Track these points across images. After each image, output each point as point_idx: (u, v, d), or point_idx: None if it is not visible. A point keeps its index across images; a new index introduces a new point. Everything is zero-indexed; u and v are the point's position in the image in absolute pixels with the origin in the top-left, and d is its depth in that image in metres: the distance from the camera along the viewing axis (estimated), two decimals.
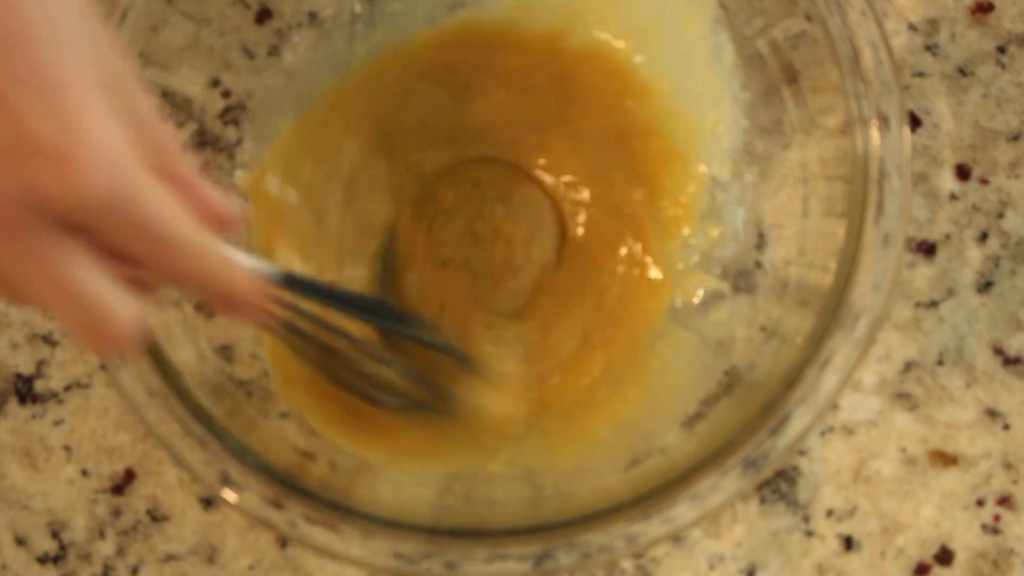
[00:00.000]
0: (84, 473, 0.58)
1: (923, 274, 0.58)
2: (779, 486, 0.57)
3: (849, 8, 0.51)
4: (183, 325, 0.53)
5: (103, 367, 0.51)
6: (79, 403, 0.58)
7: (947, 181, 0.59)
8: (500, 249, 0.59)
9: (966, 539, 0.57)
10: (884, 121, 0.51)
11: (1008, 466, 0.57)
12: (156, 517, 0.58)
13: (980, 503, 0.57)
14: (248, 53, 0.57)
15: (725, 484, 0.49)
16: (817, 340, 0.50)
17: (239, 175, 0.56)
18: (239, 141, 0.57)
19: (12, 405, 0.59)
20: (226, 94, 0.57)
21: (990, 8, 0.60)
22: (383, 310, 0.54)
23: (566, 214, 0.59)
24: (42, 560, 0.58)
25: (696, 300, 0.57)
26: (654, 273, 0.58)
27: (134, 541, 0.58)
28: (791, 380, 0.50)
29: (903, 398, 0.58)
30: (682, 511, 0.49)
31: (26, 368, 0.59)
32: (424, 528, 0.50)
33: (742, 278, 0.56)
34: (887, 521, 0.57)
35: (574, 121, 0.59)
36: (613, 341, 0.58)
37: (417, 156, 0.59)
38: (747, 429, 0.50)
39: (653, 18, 0.57)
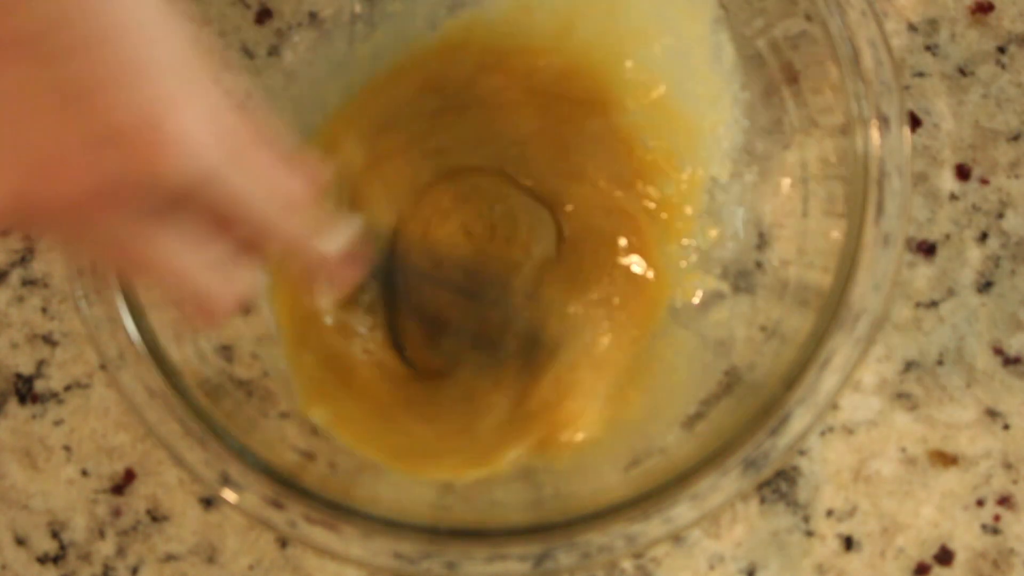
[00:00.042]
0: (84, 473, 0.58)
1: (923, 274, 0.58)
2: (779, 486, 0.57)
3: (849, 8, 0.51)
4: (183, 325, 0.53)
5: (103, 367, 0.51)
6: (79, 403, 0.58)
7: (947, 181, 0.59)
8: (498, 249, 0.59)
9: (966, 539, 0.57)
10: (884, 121, 0.51)
11: (1008, 466, 0.57)
12: (156, 517, 0.58)
13: (980, 503, 0.57)
14: (248, 53, 0.57)
15: (725, 484, 0.49)
16: (817, 340, 0.50)
17: None
18: None
19: (12, 405, 0.59)
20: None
21: (990, 8, 0.60)
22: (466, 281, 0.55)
23: (565, 215, 0.59)
24: (42, 560, 0.58)
25: (696, 300, 0.57)
26: (653, 274, 0.58)
27: (134, 541, 0.58)
28: (791, 380, 0.50)
29: (903, 398, 0.58)
30: (682, 511, 0.49)
31: (26, 368, 0.59)
32: (424, 528, 0.50)
33: (742, 278, 0.56)
34: (887, 521, 0.57)
35: (574, 122, 0.59)
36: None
37: (415, 166, 0.59)
38: (747, 429, 0.50)
39: (653, 18, 0.57)
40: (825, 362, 0.50)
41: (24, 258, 0.59)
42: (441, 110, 0.59)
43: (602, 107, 0.59)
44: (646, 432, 0.54)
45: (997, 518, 0.57)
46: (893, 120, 0.51)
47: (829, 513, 0.57)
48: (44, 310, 0.59)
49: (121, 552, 0.57)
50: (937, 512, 0.57)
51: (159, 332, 0.51)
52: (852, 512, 0.57)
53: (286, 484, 0.50)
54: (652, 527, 0.49)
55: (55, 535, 0.58)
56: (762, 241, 0.56)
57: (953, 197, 0.59)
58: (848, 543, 0.57)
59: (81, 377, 0.59)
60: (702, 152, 0.57)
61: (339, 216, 0.42)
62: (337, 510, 0.50)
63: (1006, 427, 0.58)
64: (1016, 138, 0.59)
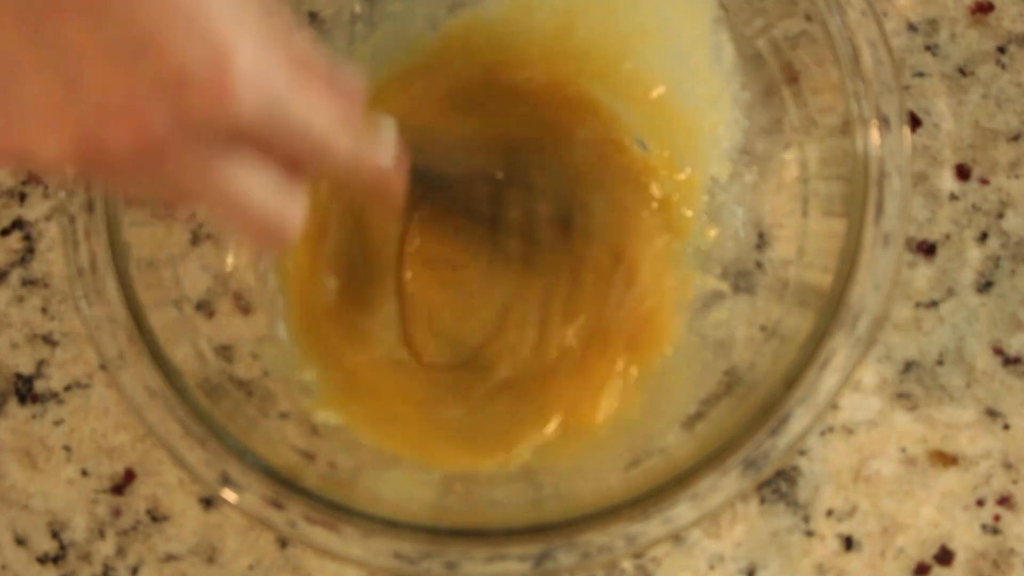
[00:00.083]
0: (84, 473, 0.58)
1: (923, 274, 0.58)
2: (779, 486, 0.57)
3: (849, 8, 0.51)
4: (183, 325, 0.53)
5: (103, 367, 0.51)
6: (79, 403, 0.58)
7: (947, 181, 0.59)
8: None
9: (966, 539, 0.57)
10: (884, 121, 0.51)
11: (1008, 466, 0.57)
12: (156, 517, 0.58)
13: (980, 503, 0.57)
14: None
15: (725, 484, 0.49)
16: (817, 340, 0.50)
17: None
18: None
19: (12, 405, 0.59)
20: None
21: (990, 8, 0.60)
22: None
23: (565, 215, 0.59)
24: (42, 560, 0.58)
25: (696, 300, 0.57)
26: (654, 273, 0.58)
27: (134, 541, 0.58)
28: (791, 380, 0.50)
29: (903, 398, 0.58)
30: (682, 511, 0.49)
31: (26, 368, 0.59)
32: (424, 528, 0.50)
33: (742, 278, 0.56)
34: (887, 521, 0.57)
35: (573, 124, 0.59)
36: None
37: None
38: (747, 429, 0.50)
39: (653, 18, 0.57)
40: (825, 362, 0.50)
41: (24, 258, 0.59)
42: (441, 113, 0.59)
43: (601, 107, 0.59)
44: (646, 432, 0.54)
45: (997, 518, 0.57)
46: (893, 120, 0.51)
47: (829, 513, 0.57)
48: (44, 310, 0.59)
49: (121, 552, 0.57)
50: (937, 512, 0.57)
51: (159, 332, 0.51)
52: (852, 512, 0.57)
53: (286, 484, 0.50)
54: (652, 527, 0.49)
55: (55, 535, 0.58)
56: (762, 241, 0.56)
57: (953, 197, 0.59)
58: (848, 543, 0.57)
59: (81, 377, 0.59)
60: (702, 152, 0.57)
61: (378, 123, 0.44)
62: (337, 510, 0.50)
63: (1006, 427, 0.58)
64: (1016, 138, 0.59)
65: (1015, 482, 0.57)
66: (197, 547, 0.57)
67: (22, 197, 0.60)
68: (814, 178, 0.54)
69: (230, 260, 0.56)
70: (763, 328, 0.54)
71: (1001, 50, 0.59)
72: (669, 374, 0.56)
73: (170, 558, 0.57)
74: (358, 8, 0.58)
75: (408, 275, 0.58)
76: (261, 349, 0.55)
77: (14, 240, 0.59)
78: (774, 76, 0.55)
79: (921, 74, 0.59)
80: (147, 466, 0.58)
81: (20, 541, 0.58)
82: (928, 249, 0.59)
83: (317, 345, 0.57)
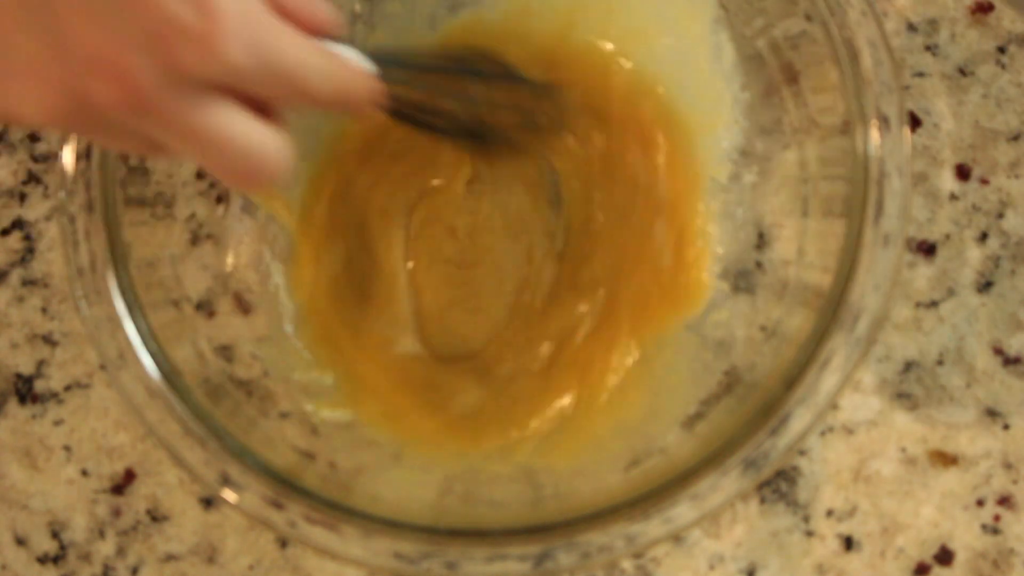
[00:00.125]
0: (84, 473, 0.58)
1: (923, 274, 0.58)
2: (779, 486, 0.57)
3: (849, 8, 0.51)
4: (183, 325, 0.53)
5: (103, 367, 0.51)
6: (79, 403, 0.58)
7: (947, 181, 0.59)
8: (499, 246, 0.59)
9: (966, 539, 0.57)
10: (884, 121, 0.51)
11: (1008, 466, 0.57)
12: (156, 517, 0.58)
13: (980, 503, 0.57)
14: None
15: (725, 484, 0.49)
16: (817, 340, 0.50)
17: None
18: None
19: (12, 405, 0.59)
20: None
21: (990, 8, 0.60)
22: (470, 56, 0.55)
23: (566, 213, 0.59)
24: (42, 560, 0.58)
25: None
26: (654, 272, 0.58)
27: (134, 541, 0.58)
28: (791, 380, 0.50)
29: (903, 398, 0.58)
30: (682, 511, 0.49)
31: (26, 368, 0.59)
32: (424, 528, 0.50)
33: (742, 278, 0.56)
34: (887, 521, 0.57)
35: (573, 125, 0.59)
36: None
37: (416, 176, 0.59)
38: (747, 429, 0.50)
39: (653, 18, 0.57)
40: (825, 362, 0.50)
41: (24, 258, 0.59)
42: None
43: (601, 108, 0.59)
44: (646, 432, 0.54)
45: (997, 518, 0.57)
46: (893, 120, 0.51)
47: (829, 513, 0.57)
48: (44, 310, 0.59)
49: (121, 552, 0.57)
50: (937, 512, 0.57)
51: (159, 332, 0.51)
52: (852, 512, 0.57)
53: (286, 484, 0.50)
54: (652, 527, 0.49)
55: (55, 535, 0.58)
56: (762, 241, 0.56)
57: (953, 197, 0.59)
58: (848, 543, 0.57)
59: (81, 377, 0.59)
60: (702, 152, 0.57)
61: (352, 52, 0.44)
62: (337, 510, 0.50)
63: (1006, 427, 0.58)
64: (1016, 138, 0.59)
65: (1015, 482, 0.57)
66: (197, 547, 0.57)
67: (22, 197, 0.60)
68: (814, 178, 0.54)
69: (230, 260, 0.56)
70: (763, 328, 0.54)
71: (1001, 50, 0.59)
72: (669, 374, 0.56)
73: (170, 558, 0.57)
74: (358, 8, 0.58)
75: (418, 275, 0.59)
76: (261, 349, 0.55)
77: (14, 240, 0.59)
78: (774, 76, 0.55)
79: (921, 74, 0.59)
80: (147, 466, 0.58)
81: (20, 541, 0.58)
82: (928, 249, 0.59)
83: (327, 346, 0.57)
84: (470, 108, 0.53)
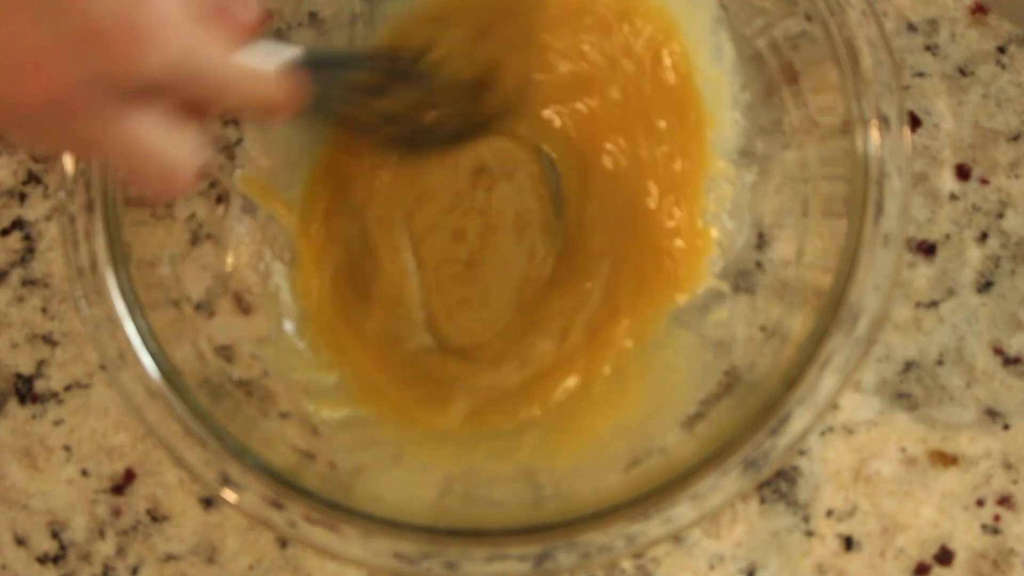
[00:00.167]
0: (84, 473, 0.58)
1: (923, 274, 0.58)
2: (779, 486, 0.57)
3: (849, 8, 0.51)
4: (183, 325, 0.53)
5: (103, 367, 0.51)
6: (79, 403, 0.58)
7: (947, 181, 0.59)
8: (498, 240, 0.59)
9: (966, 539, 0.57)
10: (884, 121, 0.51)
11: (1008, 466, 0.57)
12: (156, 517, 0.58)
13: (980, 503, 0.57)
14: None
15: (725, 484, 0.49)
16: (817, 340, 0.50)
17: (239, 175, 0.56)
18: (239, 141, 0.57)
19: (12, 405, 0.59)
20: None
21: (990, 8, 0.60)
22: (394, 56, 0.56)
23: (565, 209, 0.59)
24: (42, 560, 0.58)
25: (696, 300, 0.57)
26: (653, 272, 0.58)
27: (134, 541, 0.58)
28: (791, 380, 0.50)
29: (903, 398, 0.58)
30: (682, 511, 0.49)
31: (26, 368, 0.59)
32: (424, 528, 0.50)
33: (742, 278, 0.56)
34: (887, 521, 0.57)
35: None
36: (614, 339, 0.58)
37: (408, 182, 0.60)
38: (747, 429, 0.50)
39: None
40: (825, 362, 0.50)
41: (24, 258, 0.59)
42: None
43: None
44: (646, 432, 0.54)
45: (997, 518, 0.57)
46: (893, 120, 0.51)
47: (829, 513, 0.57)
48: (44, 310, 0.59)
49: (121, 552, 0.57)
50: (937, 512, 0.57)
51: (159, 332, 0.51)
52: (852, 512, 0.57)
53: (286, 484, 0.50)
54: (652, 527, 0.49)
55: (55, 535, 0.58)
56: (762, 241, 0.56)
57: (953, 197, 0.59)
58: (848, 543, 0.57)
59: (81, 377, 0.59)
60: (702, 152, 0.57)
61: (275, 51, 0.44)
62: (337, 510, 0.50)
63: (1006, 427, 0.58)
64: (1016, 138, 0.59)
65: (1015, 482, 0.57)
66: (197, 547, 0.57)
67: (22, 197, 0.60)
68: (814, 178, 0.54)
69: (230, 260, 0.56)
70: (763, 328, 0.54)
71: (1001, 50, 0.59)
72: (669, 374, 0.56)
73: (170, 558, 0.57)
74: (358, 8, 0.58)
75: (426, 276, 0.59)
76: (261, 349, 0.55)
77: (14, 240, 0.59)
78: (774, 76, 0.55)
79: (921, 74, 0.59)
80: (147, 466, 0.58)
81: (20, 541, 0.58)
82: (928, 249, 0.59)
83: (331, 346, 0.57)
84: (398, 108, 0.53)
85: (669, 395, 0.55)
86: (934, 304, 0.58)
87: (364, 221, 0.59)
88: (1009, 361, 0.58)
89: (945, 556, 0.57)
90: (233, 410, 0.53)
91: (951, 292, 0.58)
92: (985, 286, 0.58)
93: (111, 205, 0.51)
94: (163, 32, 0.37)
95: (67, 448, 0.58)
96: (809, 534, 0.57)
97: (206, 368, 0.53)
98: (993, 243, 0.59)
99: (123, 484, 0.58)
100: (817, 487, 0.57)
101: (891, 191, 0.50)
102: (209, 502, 0.57)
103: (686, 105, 0.57)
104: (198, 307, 0.54)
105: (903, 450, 0.57)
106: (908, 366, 0.58)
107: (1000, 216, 0.59)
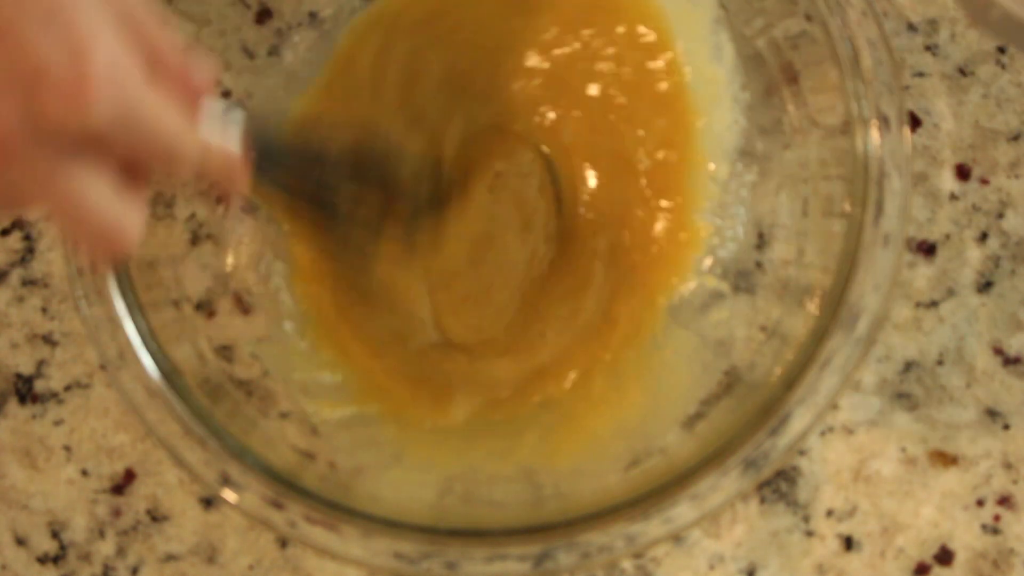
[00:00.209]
0: (84, 473, 0.58)
1: (923, 274, 0.58)
2: (779, 486, 0.57)
3: (849, 8, 0.51)
4: (183, 325, 0.53)
5: (103, 367, 0.51)
6: (79, 403, 0.58)
7: (947, 181, 0.59)
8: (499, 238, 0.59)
9: (966, 539, 0.57)
10: (884, 121, 0.51)
11: (1008, 466, 0.57)
12: (156, 517, 0.58)
13: (980, 503, 0.57)
14: (248, 53, 0.57)
15: (725, 484, 0.49)
16: (817, 340, 0.50)
17: None
18: None
19: (12, 405, 0.59)
20: (226, 94, 0.57)
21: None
22: (337, 149, 0.54)
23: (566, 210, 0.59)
24: (42, 560, 0.58)
25: (696, 300, 0.57)
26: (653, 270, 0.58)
27: (134, 541, 0.58)
28: (791, 380, 0.50)
29: (903, 398, 0.58)
30: (682, 511, 0.49)
31: (26, 368, 0.59)
32: (424, 528, 0.50)
33: (742, 278, 0.56)
34: (887, 521, 0.57)
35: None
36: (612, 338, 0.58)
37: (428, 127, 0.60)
38: (747, 429, 0.50)
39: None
40: (825, 362, 0.50)
41: (24, 258, 0.59)
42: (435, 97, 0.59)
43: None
44: (646, 432, 0.54)
45: (997, 518, 0.57)
46: (893, 120, 0.51)
47: (829, 513, 0.57)
48: (44, 310, 0.59)
49: (121, 552, 0.57)
50: (937, 512, 0.57)
51: (159, 332, 0.51)
52: (852, 512, 0.57)
53: (286, 484, 0.50)
54: (652, 527, 0.49)
55: (55, 535, 0.58)
56: (762, 241, 0.56)
57: (953, 197, 0.59)
58: (848, 543, 0.57)
59: (81, 377, 0.59)
60: (702, 152, 0.57)
61: (227, 116, 0.42)
62: (337, 510, 0.50)
63: (1006, 427, 0.58)
64: (1016, 138, 0.59)
65: (1015, 482, 0.57)
66: (197, 547, 0.57)
67: None
68: (814, 178, 0.54)
69: (230, 260, 0.56)
70: (763, 328, 0.54)
71: (1001, 50, 0.59)
72: (669, 374, 0.56)
73: (170, 558, 0.57)
74: (358, 8, 0.58)
75: (432, 276, 0.59)
76: (261, 349, 0.55)
77: (14, 240, 0.59)
78: (774, 76, 0.55)
79: (921, 74, 0.59)
80: (147, 466, 0.58)
81: (20, 541, 0.58)
82: (928, 249, 0.59)
83: (333, 346, 0.57)
84: (332, 192, 0.53)
85: (669, 395, 0.55)
86: (934, 304, 0.58)
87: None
88: (1009, 361, 0.58)
89: (945, 556, 0.57)
90: (233, 410, 0.53)
91: (951, 292, 0.58)
92: (985, 286, 0.58)
93: None
94: (110, 82, 0.35)
95: (67, 448, 0.58)
96: (809, 534, 0.57)
97: (206, 368, 0.53)
98: (993, 243, 0.59)
99: (123, 484, 0.58)
100: (817, 487, 0.57)
101: (891, 191, 0.50)
102: (209, 502, 0.57)
103: (681, 105, 0.57)
104: (198, 307, 0.54)
105: (903, 450, 0.57)
106: (908, 366, 0.58)
107: (1000, 216, 0.59)
